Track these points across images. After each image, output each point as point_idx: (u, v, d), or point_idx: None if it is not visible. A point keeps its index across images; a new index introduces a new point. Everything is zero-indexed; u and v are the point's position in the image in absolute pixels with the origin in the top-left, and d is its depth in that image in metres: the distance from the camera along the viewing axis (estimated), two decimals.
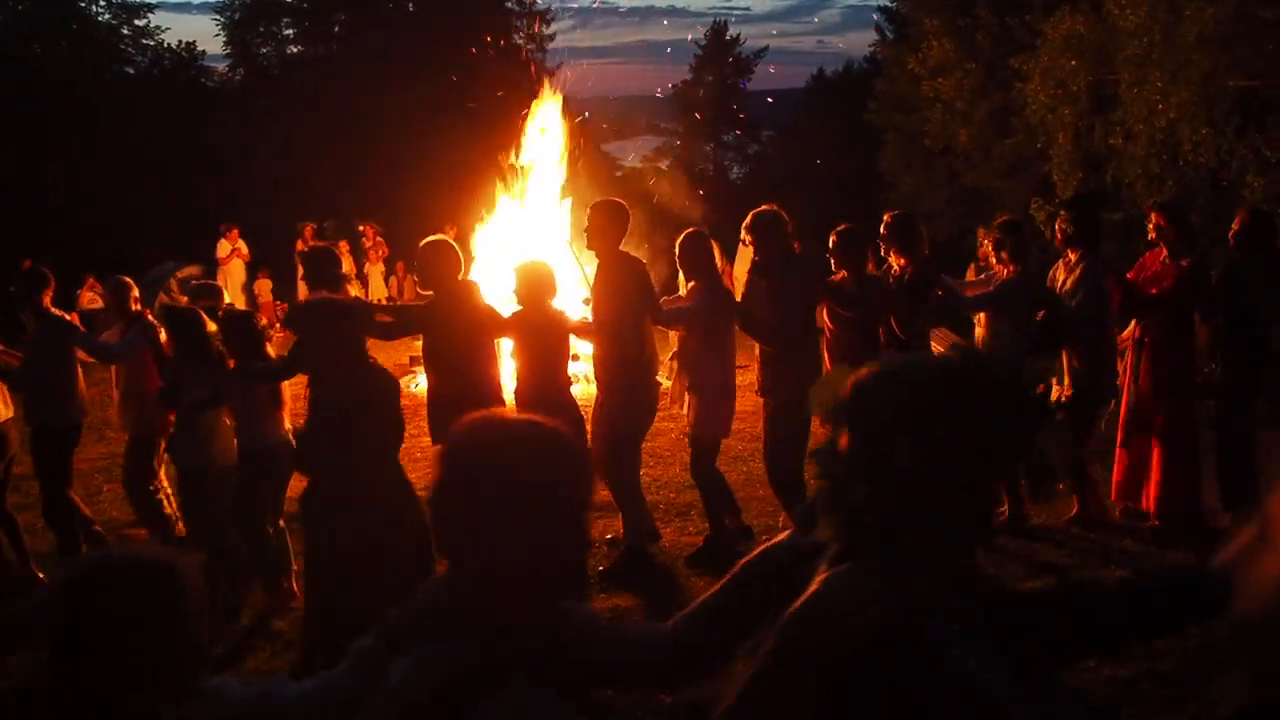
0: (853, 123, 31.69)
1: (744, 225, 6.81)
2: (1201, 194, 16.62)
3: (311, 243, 18.77)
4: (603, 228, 6.60)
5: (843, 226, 7.10)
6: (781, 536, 2.02)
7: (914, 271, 6.96)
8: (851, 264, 6.92)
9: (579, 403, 6.93)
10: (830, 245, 7.04)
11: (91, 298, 17.20)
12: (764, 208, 6.87)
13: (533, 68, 29.53)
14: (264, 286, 18.53)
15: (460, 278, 6.43)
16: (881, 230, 7.14)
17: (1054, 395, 7.07)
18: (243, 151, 29.52)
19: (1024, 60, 19.49)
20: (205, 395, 6.10)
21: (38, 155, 26.66)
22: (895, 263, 7.13)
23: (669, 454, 8.77)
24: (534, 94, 15.04)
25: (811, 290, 6.85)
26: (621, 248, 6.68)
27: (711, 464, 6.86)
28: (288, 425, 6.35)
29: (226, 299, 8.06)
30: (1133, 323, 7.01)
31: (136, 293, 7.29)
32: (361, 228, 19.75)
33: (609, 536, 6.98)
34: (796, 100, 45.74)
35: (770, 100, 47.88)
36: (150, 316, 7.29)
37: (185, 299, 16.39)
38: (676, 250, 6.85)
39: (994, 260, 7.16)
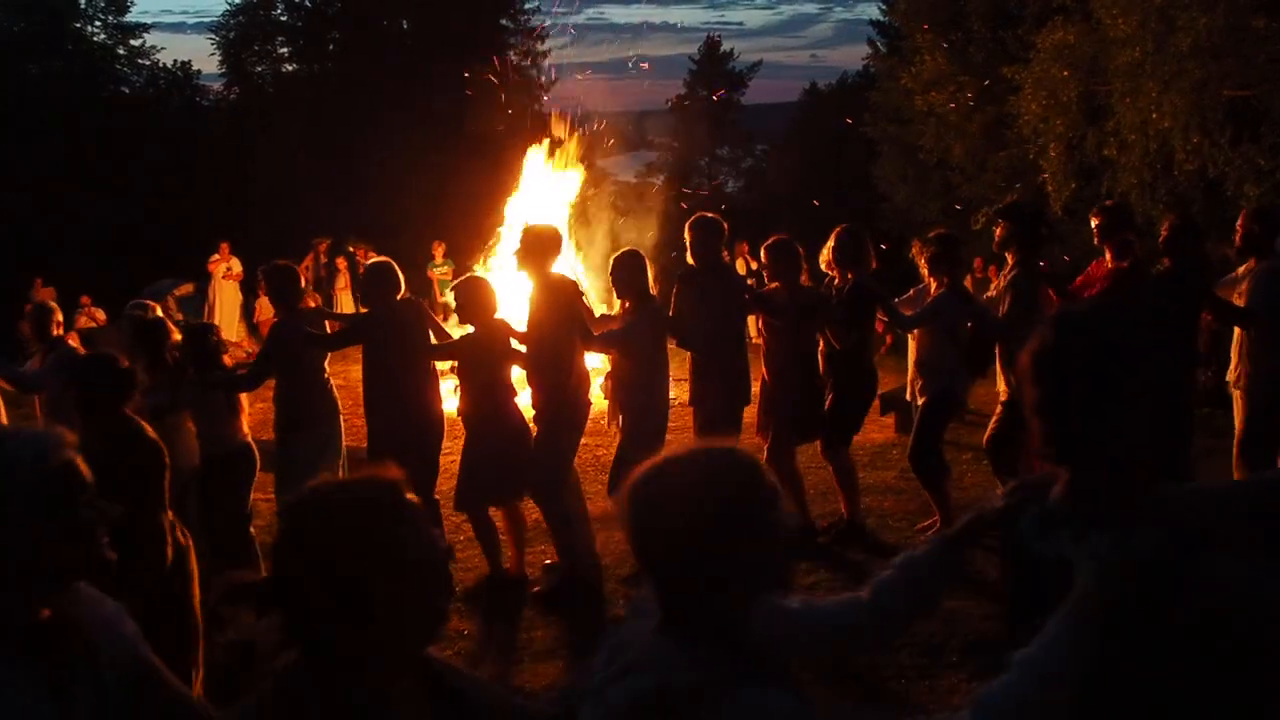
0: (847, 135, 31.79)
1: (687, 224, 6.89)
2: (1196, 203, 16.68)
3: (324, 259, 18.87)
4: (534, 251, 6.62)
5: (774, 238, 7.16)
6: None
7: (854, 284, 7.01)
8: (785, 275, 6.98)
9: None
10: (763, 257, 7.10)
11: (87, 318, 17.18)
12: (702, 214, 6.94)
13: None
14: (265, 304, 18.49)
15: (400, 297, 6.76)
16: (831, 244, 7.18)
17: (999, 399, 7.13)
18: (238, 170, 29.55)
19: (1016, 71, 19.57)
20: (165, 400, 6.32)
21: (33, 174, 26.66)
22: (835, 274, 7.18)
23: None
24: (530, 111, 15.09)
25: (738, 299, 6.91)
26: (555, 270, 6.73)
27: None
28: (246, 431, 6.66)
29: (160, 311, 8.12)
30: None
31: (60, 318, 7.36)
32: (352, 248, 19.76)
33: (546, 562, 6.91)
34: (790, 114, 45.87)
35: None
36: (71, 341, 7.34)
37: (180, 315, 16.46)
38: (609, 270, 6.87)
39: (925, 273, 7.17)
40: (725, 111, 45.81)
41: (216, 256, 18.50)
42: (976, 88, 22.47)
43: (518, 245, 6.73)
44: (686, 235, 6.88)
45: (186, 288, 19.44)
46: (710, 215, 6.91)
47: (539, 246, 6.62)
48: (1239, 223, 6.82)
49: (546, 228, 6.86)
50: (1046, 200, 19.13)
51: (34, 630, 1.91)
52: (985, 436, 7.10)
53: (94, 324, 16.58)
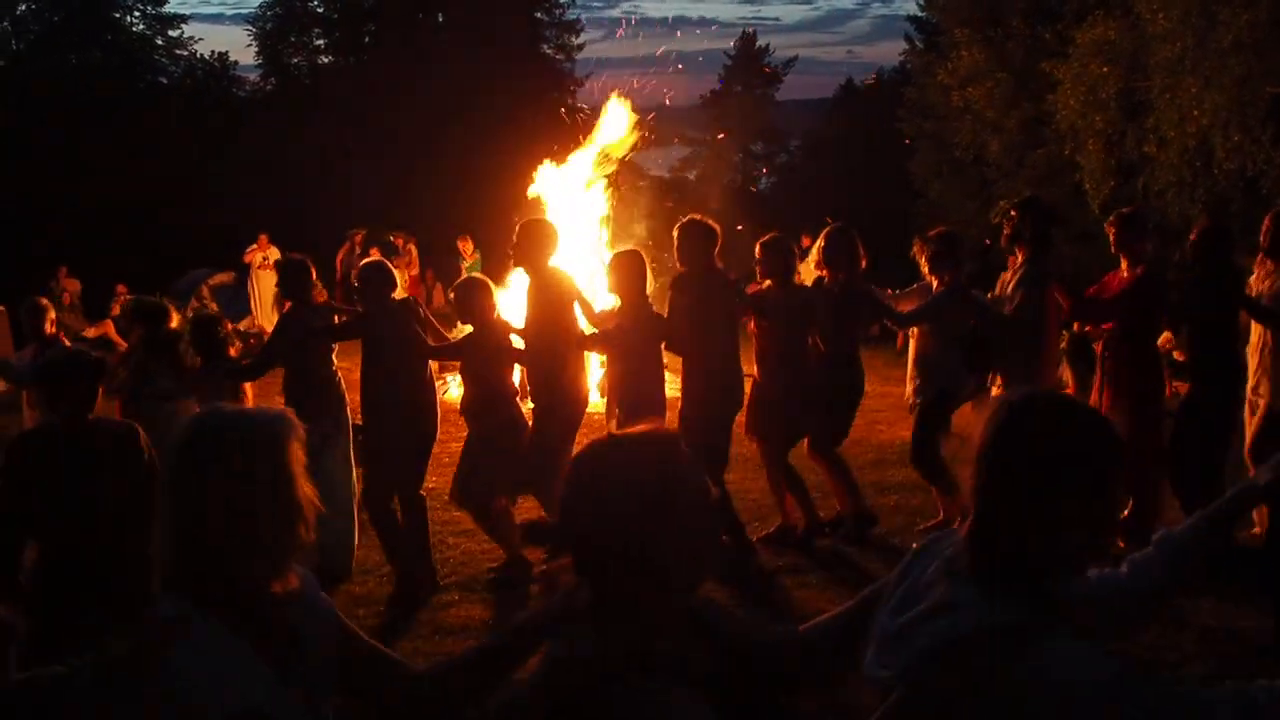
0: (882, 132, 31.58)
1: (676, 227, 6.84)
2: (1235, 201, 16.48)
3: (359, 250, 18.94)
4: (531, 246, 6.61)
5: (768, 237, 7.11)
6: None
7: (843, 285, 6.93)
8: (776, 274, 6.94)
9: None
10: (756, 255, 7.04)
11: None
12: (694, 217, 6.87)
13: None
14: None
15: (396, 296, 6.90)
16: (820, 243, 7.09)
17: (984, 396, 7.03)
18: (274, 160, 29.72)
19: (1055, 66, 19.38)
20: (170, 385, 6.59)
21: (71, 165, 26.92)
22: (824, 275, 7.11)
23: None
24: (565, 104, 14.97)
25: (730, 303, 6.85)
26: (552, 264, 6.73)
27: None
28: None
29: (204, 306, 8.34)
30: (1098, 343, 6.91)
31: (53, 315, 7.43)
32: (392, 238, 19.81)
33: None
34: (826, 110, 45.63)
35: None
36: (108, 330, 7.41)
37: (215, 305, 16.57)
38: (607, 268, 6.82)
39: (926, 271, 7.08)
40: (760, 107, 45.57)
41: (254, 247, 18.64)
42: (1014, 84, 22.27)
43: (514, 241, 6.72)
44: (675, 239, 6.83)
45: (222, 277, 19.61)
46: (700, 218, 6.84)
47: (535, 241, 6.62)
48: (1265, 223, 6.60)
49: (542, 222, 6.88)
50: (1084, 198, 18.96)
51: (263, 601, 2.02)
52: None
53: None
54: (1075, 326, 7.63)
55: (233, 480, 1.92)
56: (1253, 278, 6.69)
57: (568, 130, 14.21)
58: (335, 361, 7.03)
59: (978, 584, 1.81)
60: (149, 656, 1.89)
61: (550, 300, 6.55)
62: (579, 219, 12.78)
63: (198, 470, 1.94)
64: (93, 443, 4.23)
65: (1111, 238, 6.77)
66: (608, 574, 1.83)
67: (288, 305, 7.43)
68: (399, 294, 6.96)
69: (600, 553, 1.83)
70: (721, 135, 40.87)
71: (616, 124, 12.96)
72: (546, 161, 13.25)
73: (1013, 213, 7.00)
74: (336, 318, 7.44)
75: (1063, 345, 8.75)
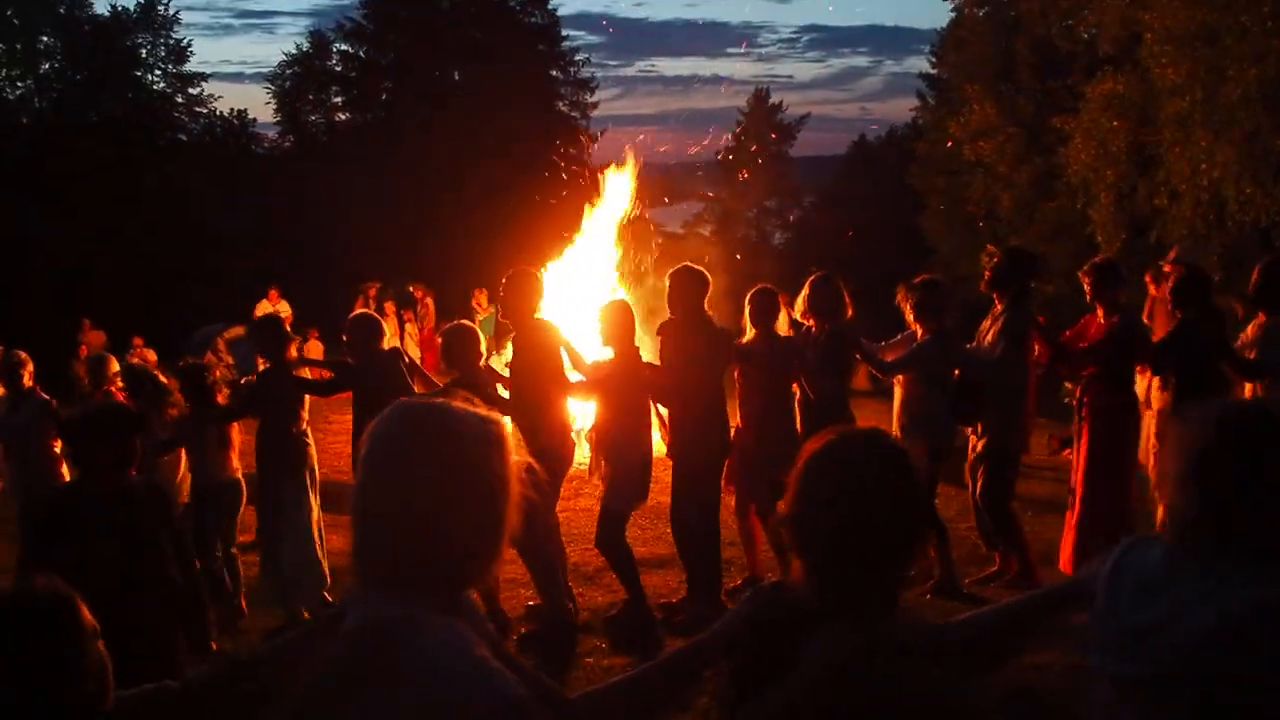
0: (895, 187, 31.73)
1: (669, 275, 6.85)
2: (1250, 254, 16.44)
3: (373, 305, 19.02)
4: (517, 297, 6.62)
5: (759, 287, 7.12)
6: None
7: (829, 334, 6.93)
8: (762, 324, 6.95)
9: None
10: (746, 306, 7.07)
11: (139, 360, 17.34)
12: (685, 265, 6.87)
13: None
14: (315, 349, 18.57)
15: (385, 345, 7.16)
16: (805, 291, 7.11)
17: (970, 446, 7.00)
18: (291, 216, 29.99)
19: (1065, 120, 19.48)
20: (166, 439, 7.03)
21: (92, 218, 27.18)
22: (809, 323, 7.12)
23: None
24: (579, 160, 15.07)
25: (720, 352, 6.83)
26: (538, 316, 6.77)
27: (618, 535, 6.64)
28: (235, 464, 7.27)
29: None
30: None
31: (31, 367, 7.50)
32: (411, 289, 19.86)
33: (530, 604, 6.92)
34: (839, 166, 45.88)
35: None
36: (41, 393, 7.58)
37: (231, 359, 16.63)
38: (597, 319, 6.84)
39: (911, 319, 7.06)
40: (774, 163, 45.84)
41: (265, 301, 18.74)
42: (1024, 138, 22.38)
43: (502, 292, 6.75)
44: (668, 286, 6.83)
45: (236, 330, 19.67)
46: (692, 266, 6.85)
47: (520, 292, 6.64)
48: (1255, 274, 6.60)
49: (528, 273, 6.86)
50: (1096, 252, 18.96)
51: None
52: (977, 491, 6.96)
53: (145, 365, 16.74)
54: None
55: (469, 480, 1.85)
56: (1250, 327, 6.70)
57: (581, 187, 14.32)
58: (305, 418, 7.13)
59: (1236, 569, 1.98)
60: (387, 652, 1.78)
61: (535, 351, 6.55)
62: (596, 274, 12.87)
63: (428, 468, 1.83)
64: (116, 501, 4.19)
65: (1087, 288, 6.82)
66: (858, 570, 1.89)
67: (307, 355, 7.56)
68: (410, 350, 7.06)
69: (848, 551, 1.88)
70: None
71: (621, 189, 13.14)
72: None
73: (996, 258, 7.05)
74: (309, 370, 7.76)
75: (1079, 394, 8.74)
